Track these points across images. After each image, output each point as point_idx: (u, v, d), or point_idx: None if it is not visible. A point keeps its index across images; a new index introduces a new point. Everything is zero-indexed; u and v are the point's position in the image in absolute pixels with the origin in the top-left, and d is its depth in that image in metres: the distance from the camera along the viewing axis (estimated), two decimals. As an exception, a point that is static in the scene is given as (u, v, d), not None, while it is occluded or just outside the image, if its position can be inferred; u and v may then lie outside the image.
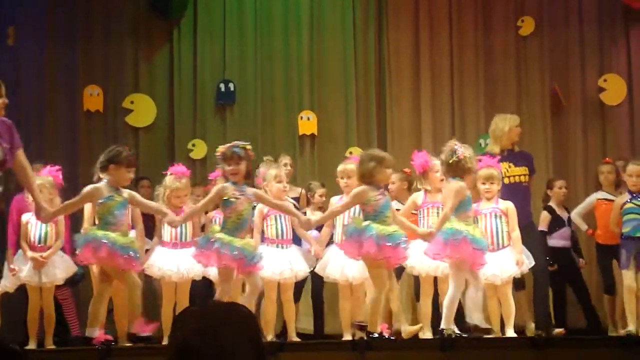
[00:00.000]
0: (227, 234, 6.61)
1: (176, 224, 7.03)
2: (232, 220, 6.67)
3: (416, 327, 7.25)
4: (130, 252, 6.61)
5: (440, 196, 7.28)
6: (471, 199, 6.94)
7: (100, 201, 6.63)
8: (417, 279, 7.73)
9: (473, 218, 6.99)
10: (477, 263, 6.82)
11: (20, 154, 5.90)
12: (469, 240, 6.69)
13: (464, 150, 6.91)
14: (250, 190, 6.82)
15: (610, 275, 8.23)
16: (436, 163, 7.43)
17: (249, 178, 6.98)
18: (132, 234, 7.26)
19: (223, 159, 6.75)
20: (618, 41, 10.39)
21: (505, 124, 8.22)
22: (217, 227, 6.74)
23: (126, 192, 6.76)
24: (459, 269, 6.78)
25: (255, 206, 7.01)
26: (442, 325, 6.77)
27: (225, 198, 6.66)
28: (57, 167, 7.69)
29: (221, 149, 6.82)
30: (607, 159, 9.00)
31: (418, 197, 7.51)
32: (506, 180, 7.95)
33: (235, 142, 6.90)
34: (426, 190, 7.49)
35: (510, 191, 7.82)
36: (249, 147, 6.82)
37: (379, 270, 6.68)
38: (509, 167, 8.03)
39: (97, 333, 6.70)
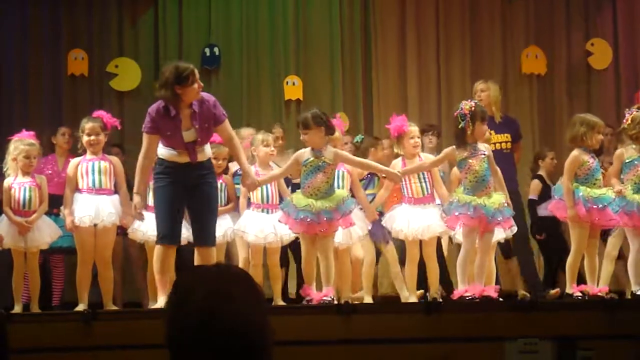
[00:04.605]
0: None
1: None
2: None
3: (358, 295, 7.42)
4: (324, 216, 6.65)
5: (417, 161, 7.31)
6: (634, 164, 7.03)
7: (302, 165, 6.81)
8: (402, 244, 7.75)
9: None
10: None
11: (225, 126, 6.38)
12: None
13: (628, 117, 7.06)
14: (329, 152, 6.82)
15: None
16: (413, 129, 7.43)
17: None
18: (116, 198, 7.26)
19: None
20: (603, 6, 10.38)
21: (499, 91, 8.26)
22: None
23: (331, 152, 6.79)
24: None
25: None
26: (634, 288, 6.95)
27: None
28: (31, 132, 7.64)
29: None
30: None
31: (397, 164, 7.46)
32: None
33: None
34: (403, 157, 7.47)
35: None
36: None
37: (581, 230, 6.87)
38: (490, 134, 8.02)
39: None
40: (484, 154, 6.71)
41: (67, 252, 8.01)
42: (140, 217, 6.64)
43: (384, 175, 7.24)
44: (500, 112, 8.34)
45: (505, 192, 6.82)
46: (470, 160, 6.67)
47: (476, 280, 6.70)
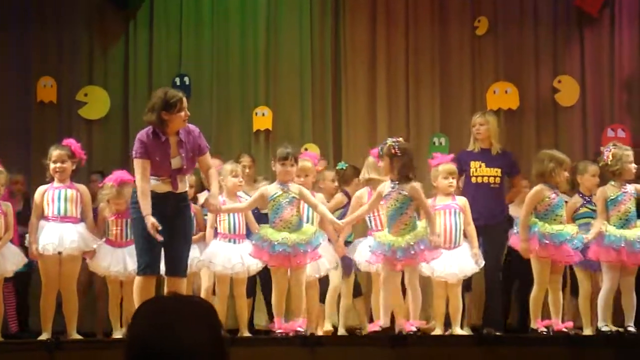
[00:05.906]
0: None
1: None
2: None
3: None
4: (300, 248, 6.75)
5: None
6: (618, 200, 7.05)
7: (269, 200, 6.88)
8: (356, 278, 7.79)
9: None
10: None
11: (207, 157, 6.54)
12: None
13: (608, 154, 7.10)
14: (294, 187, 6.94)
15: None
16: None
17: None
18: (82, 226, 7.22)
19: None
20: (572, 43, 10.48)
21: (497, 123, 8.30)
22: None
23: (296, 188, 6.92)
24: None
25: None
26: (599, 324, 6.97)
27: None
28: None
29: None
30: None
31: (363, 195, 7.46)
32: (473, 180, 7.98)
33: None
34: (371, 188, 7.43)
35: (474, 190, 7.83)
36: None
37: (542, 265, 6.88)
38: (479, 166, 8.03)
39: None
40: (400, 192, 6.73)
41: (19, 277, 7.92)
42: (158, 238, 6.35)
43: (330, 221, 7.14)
44: (500, 144, 8.31)
45: (433, 230, 6.78)
46: (387, 197, 6.76)
47: (411, 315, 6.73)
